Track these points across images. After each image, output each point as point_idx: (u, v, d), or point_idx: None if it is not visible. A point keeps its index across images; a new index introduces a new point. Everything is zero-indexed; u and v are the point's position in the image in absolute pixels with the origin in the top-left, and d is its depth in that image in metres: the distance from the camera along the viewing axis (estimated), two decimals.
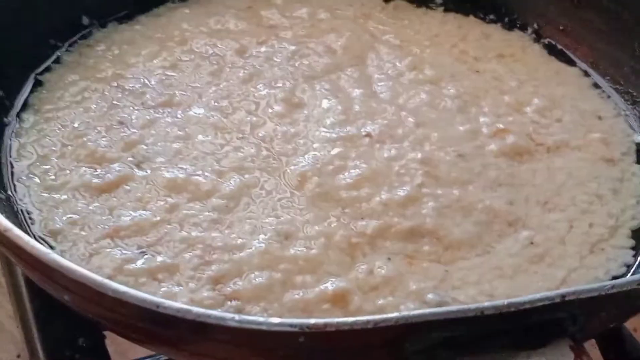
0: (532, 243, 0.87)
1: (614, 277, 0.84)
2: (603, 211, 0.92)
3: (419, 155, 0.95)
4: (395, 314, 0.62)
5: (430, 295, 0.80)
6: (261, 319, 0.64)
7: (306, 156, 0.94)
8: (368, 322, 0.62)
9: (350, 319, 0.62)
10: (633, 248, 0.88)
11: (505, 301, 0.62)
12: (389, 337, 0.63)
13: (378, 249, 0.85)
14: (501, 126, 1.01)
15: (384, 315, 0.61)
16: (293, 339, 0.62)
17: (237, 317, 0.64)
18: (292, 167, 0.93)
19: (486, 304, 0.62)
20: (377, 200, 0.89)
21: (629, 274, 0.84)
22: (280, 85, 1.06)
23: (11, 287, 0.93)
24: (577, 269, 0.85)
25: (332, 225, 0.86)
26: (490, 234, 0.88)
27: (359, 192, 0.90)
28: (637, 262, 0.86)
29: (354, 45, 1.14)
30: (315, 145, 0.96)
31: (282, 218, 0.87)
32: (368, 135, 0.98)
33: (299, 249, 0.83)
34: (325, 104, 1.03)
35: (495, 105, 1.05)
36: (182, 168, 0.91)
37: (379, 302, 0.80)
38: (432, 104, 1.04)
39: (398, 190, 0.90)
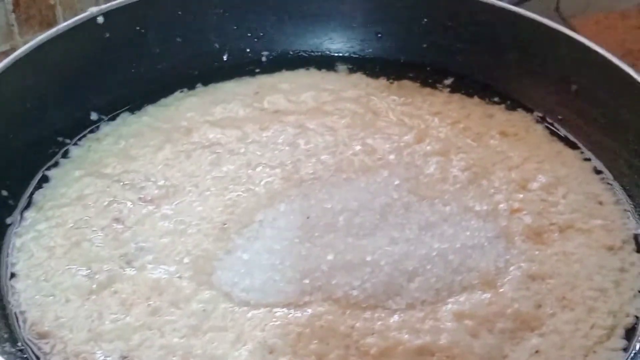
0: (537, 352, 0.84)
1: None
2: (605, 308, 0.89)
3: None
4: None
5: None
6: None
7: None
8: None
9: None
10: (624, 350, 0.84)
11: None
12: None
13: None
14: (516, 205, 1.00)
15: None
16: None
17: None
18: None
19: None
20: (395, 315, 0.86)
21: None
22: (279, 166, 1.06)
23: None
24: None
25: (330, 344, 0.83)
26: (511, 342, 0.85)
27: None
28: None
29: (356, 123, 1.14)
30: None
31: (271, 332, 0.85)
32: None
33: None
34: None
35: (505, 180, 1.04)
36: (166, 268, 0.92)
37: None
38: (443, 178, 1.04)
39: (419, 296, 0.88)
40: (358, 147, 1.09)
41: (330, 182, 1.03)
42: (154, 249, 0.95)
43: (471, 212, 0.99)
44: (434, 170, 1.05)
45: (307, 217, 0.97)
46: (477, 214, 0.98)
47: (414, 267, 0.90)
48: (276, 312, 0.86)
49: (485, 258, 0.92)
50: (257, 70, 1.26)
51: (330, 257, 0.92)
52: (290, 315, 0.86)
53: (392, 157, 1.07)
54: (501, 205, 1.00)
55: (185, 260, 0.93)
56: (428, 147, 1.09)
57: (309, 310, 0.86)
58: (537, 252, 0.94)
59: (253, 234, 0.96)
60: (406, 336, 0.84)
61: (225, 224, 0.98)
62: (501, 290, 0.89)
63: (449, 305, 0.87)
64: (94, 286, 0.91)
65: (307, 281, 0.89)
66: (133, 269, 0.92)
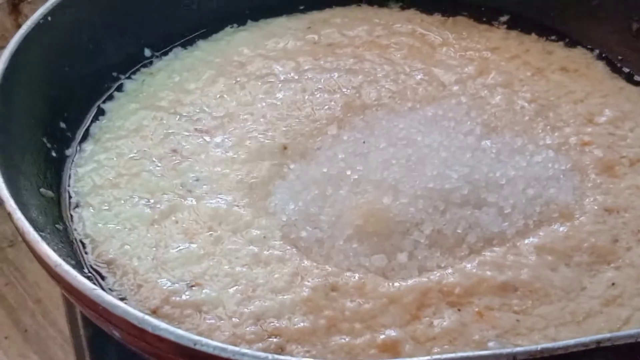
0: (613, 284, 0.83)
1: None
2: None
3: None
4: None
5: (490, 344, 0.76)
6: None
7: None
8: None
9: None
10: None
11: (539, 346, 0.59)
12: None
13: (455, 304, 0.80)
14: (586, 138, 0.99)
15: None
16: None
17: (270, 356, 0.64)
18: None
19: (519, 349, 0.60)
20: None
21: None
22: (339, 91, 1.06)
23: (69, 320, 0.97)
24: None
25: (409, 282, 0.82)
26: (588, 275, 0.84)
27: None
28: None
29: (414, 55, 1.14)
30: None
31: (331, 269, 0.84)
32: None
33: (349, 303, 0.80)
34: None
35: (572, 113, 1.03)
36: (223, 197, 0.92)
37: (434, 350, 0.76)
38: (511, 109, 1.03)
39: (499, 230, 0.86)
40: (420, 77, 1.08)
41: (395, 110, 1.02)
42: (211, 178, 0.95)
43: (543, 144, 0.97)
44: (499, 101, 1.04)
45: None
46: (548, 146, 0.97)
47: (491, 201, 0.88)
48: None
49: (563, 191, 0.91)
50: (306, 8, 1.24)
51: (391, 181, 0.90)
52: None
53: (456, 87, 1.06)
54: (571, 139, 0.99)
55: (241, 187, 0.93)
56: (491, 80, 1.08)
57: None
58: (611, 186, 0.93)
59: (310, 159, 0.96)
60: (489, 273, 0.83)
61: (284, 148, 0.98)
62: (578, 223, 0.88)
63: (530, 239, 0.86)
64: (156, 216, 0.91)
65: None
66: (192, 199, 0.92)
